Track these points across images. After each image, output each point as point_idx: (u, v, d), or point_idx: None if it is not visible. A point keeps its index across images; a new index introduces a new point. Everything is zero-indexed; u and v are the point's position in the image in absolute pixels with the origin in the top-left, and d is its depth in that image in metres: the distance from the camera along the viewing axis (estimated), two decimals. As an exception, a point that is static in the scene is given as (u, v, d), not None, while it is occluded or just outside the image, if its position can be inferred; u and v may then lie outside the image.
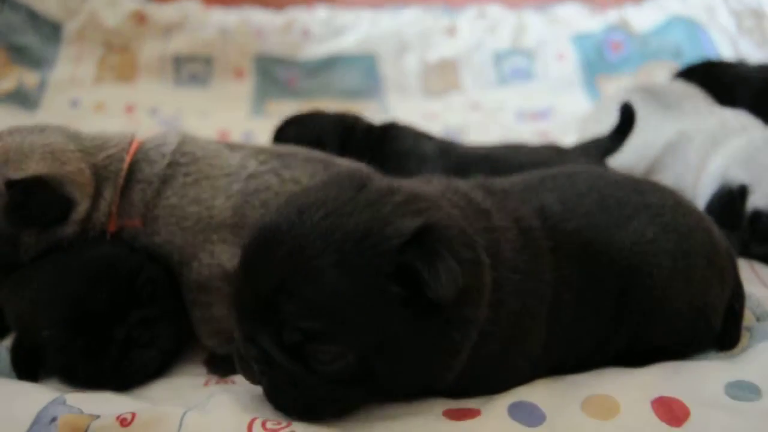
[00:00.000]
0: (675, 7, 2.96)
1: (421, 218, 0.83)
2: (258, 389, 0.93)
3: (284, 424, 0.87)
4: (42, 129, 1.18)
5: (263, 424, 0.87)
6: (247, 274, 0.86)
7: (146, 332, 1.10)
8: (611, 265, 1.02)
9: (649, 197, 1.09)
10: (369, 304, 0.81)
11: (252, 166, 1.21)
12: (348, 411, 0.90)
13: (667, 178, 1.69)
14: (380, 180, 0.93)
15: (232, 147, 1.25)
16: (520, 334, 0.95)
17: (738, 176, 1.55)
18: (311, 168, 1.24)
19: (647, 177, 1.67)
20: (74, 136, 1.18)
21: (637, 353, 1.05)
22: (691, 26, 2.84)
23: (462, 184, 1.03)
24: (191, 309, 1.17)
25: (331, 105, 2.76)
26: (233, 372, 1.07)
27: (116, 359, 1.07)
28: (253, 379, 0.91)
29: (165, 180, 1.17)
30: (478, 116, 2.60)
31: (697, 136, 1.71)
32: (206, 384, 1.10)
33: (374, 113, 2.64)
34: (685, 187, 1.65)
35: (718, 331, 1.10)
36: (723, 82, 2.05)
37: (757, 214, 1.51)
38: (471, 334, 0.88)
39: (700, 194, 1.62)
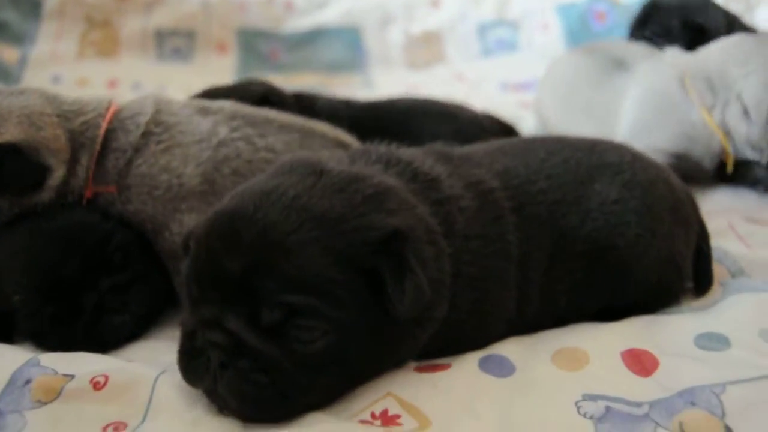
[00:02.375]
0: (659, -24, 2.95)
1: (395, 219, 0.83)
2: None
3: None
4: (21, 92, 1.17)
5: None
6: (209, 258, 0.83)
7: (118, 298, 1.10)
8: (580, 226, 1.04)
9: (608, 156, 1.11)
10: (347, 285, 0.80)
11: (223, 132, 1.20)
12: (317, 404, 0.87)
13: (663, 131, 1.70)
14: (336, 165, 0.92)
15: (206, 111, 1.24)
16: (487, 297, 0.96)
17: None
18: (287, 136, 1.24)
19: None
20: (53, 99, 1.18)
21: (614, 310, 1.06)
22: (676, -6, 2.83)
23: (406, 154, 1.02)
24: (171, 275, 1.17)
25: (314, 78, 2.77)
26: None
27: (88, 325, 1.07)
28: (197, 380, 0.85)
29: (137, 149, 1.17)
30: (462, 88, 2.59)
31: (668, 83, 1.72)
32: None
33: (358, 86, 2.64)
34: (693, 128, 1.66)
35: (690, 276, 1.14)
36: None
37: None
38: (433, 327, 0.90)
39: (757, 111, 1.59)
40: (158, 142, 1.18)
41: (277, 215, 0.81)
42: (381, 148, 1.04)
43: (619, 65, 1.86)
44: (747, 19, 2.64)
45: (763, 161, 1.60)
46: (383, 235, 0.81)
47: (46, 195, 1.13)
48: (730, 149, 1.64)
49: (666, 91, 1.71)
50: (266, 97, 1.51)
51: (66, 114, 1.16)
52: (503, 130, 1.81)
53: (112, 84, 2.60)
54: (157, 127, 1.18)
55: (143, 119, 1.18)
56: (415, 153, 1.04)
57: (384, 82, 2.68)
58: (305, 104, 1.59)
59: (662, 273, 1.09)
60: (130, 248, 1.14)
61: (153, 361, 1.00)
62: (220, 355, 0.81)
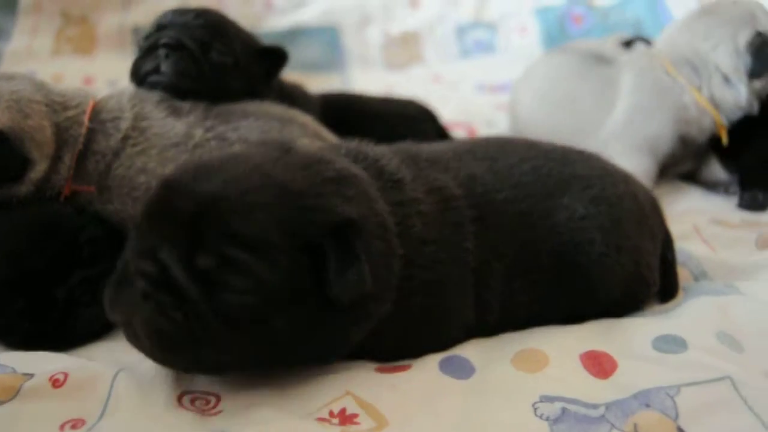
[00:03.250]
0: (635, -20, 2.98)
1: (350, 208, 0.84)
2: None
3: (212, 402, 0.89)
4: (10, 77, 1.17)
5: (192, 401, 0.89)
6: (164, 195, 0.85)
7: (89, 291, 1.09)
8: (546, 239, 1.04)
9: (579, 168, 1.11)
10: (288, 256, 0.81)
11: (198, 134, 1.21)
12: (227, 363, 0.87)
13: (662, 116, 1.73)
14: (304, 147, 0.94)
15: (179, 112, 1.24)
16: (443, 303, 0.97)
17: (747, 34, 1.65)
18: (265, 125, 1.24)
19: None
20: (41, 87, 1.17)
21: (580, 317, 1.07)
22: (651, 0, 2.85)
23: (375, 152, 1.02)
24: None
25: (292, 77, 2.74)
26: None
27: (59, 319, 1.06)
28: (118, 310, 0.85)
29: (116, 153, 1.17)
30: (439, 89, 2.59)
31: (656, 70, 1.75)
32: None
33: (336, 86, 2.63)
34: (687, 110, 1.71)
35: (656, 284, 1.14)
36: None
37: None
38: (368, 326, 0.90)
39: (725, 85, 1.69)
40: (134, 145, 1.18)
41: (240, 174, 0.84)
42: (351, 144, 1.04)
43: (600, 59, 1.88)
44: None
45: (755, 112, 1.70)
46: (336, 221, 0.82)
47: (24, 188, 1.12)
48: (722, 121, 1.70)
49: (658, 77, 1.74)
50: None
51: (54, 105, 1.15)
52: (428, 116, 1.83)
53: (88, 81, 2.58)
54: (134, 132, 1.19)
55: (124, 125, 1.18)
56: (383, 151, 1.04)
57: (362, 82, 2.68)
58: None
59: (628, 287, 1.10)
60: (99, 243, 1.13)
61: (113, 361, 1.00)
62: (145, 285, 0.82)
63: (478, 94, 2.53)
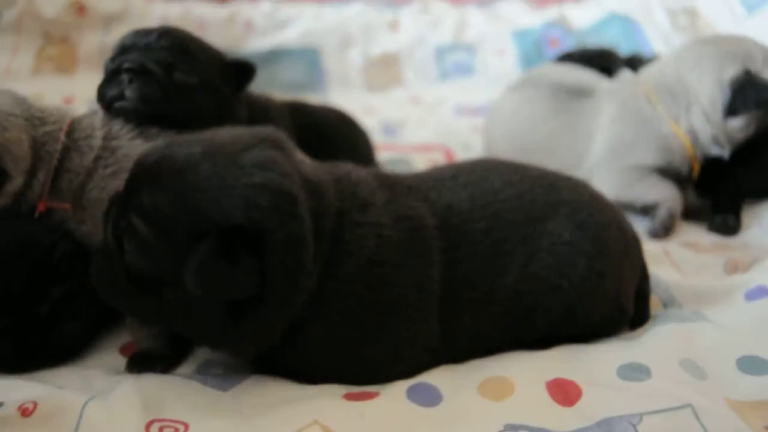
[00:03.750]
0: (612, 5, 3.02)
1: (254, 215, 0.85)
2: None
3: (181, 430, 0.89)
4: None
5: (161, 429, 0.89)
6: (145, 167, 0.93)
7: (70, 306, 1.10)
8: (526, 265, 1.05)
9: (566, 194, 1.11)
10: (179, 241, 0.86)
11: None
12: (141, 319, 1.02)
13: (643, 146, 1.74)
14: (292, 152, 0.97)
15: (147, 135, 1.24)
16: (394, 323, 0.98)
17: (734, 70, 1.64)
18: None
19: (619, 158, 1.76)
20: (21, 101, 1.17)
21: (555, 339, 1.09)
22: (627, 23, 2.90)
23: (359, 174, 1.05)
24: None
25: (273, 98, 2.78)
26: (151, 371, 1.07)
27: (43, 335, 1.07)
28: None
29: (89, 173, 1.17)
30: (418, 111, 2.62)
31: (637, 98, 1.76)
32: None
33: (316, 107, 2.65)
34: (666, 140, 1.72)
35: (631, 314, 1.15)
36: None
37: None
38: (265, 329, 0.92)
39: (703, 119, 1.68)
40: (105, 166, 1.18)
41: (185, 153, 0.90)
42: (343, 165, 1.08)
43: (575, 92, 1.88)
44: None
45: (725, 155, 1.70)
46: (221, 224, 0.85)
47: (1, 201, 1.12)
48: (696, 154, 1.71)
49: (639, 108, 1.75)
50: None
51: (33, 120, 1.15)
52: (346, 123, 1.84)
53: (68, 101, 2.58)
54: (105, 152, 1.19)
55: (96, 143, 1.18)
56: (364, 176, 1.06)
57: (342, 104, 2.68)
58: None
59: (607, 313, 1.11)
60: (73, 258, 1.13)
61: (85, 387, 1.00)
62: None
63: (457, 117, 2.56)
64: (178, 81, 1.25)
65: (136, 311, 0.99)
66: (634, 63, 2.14)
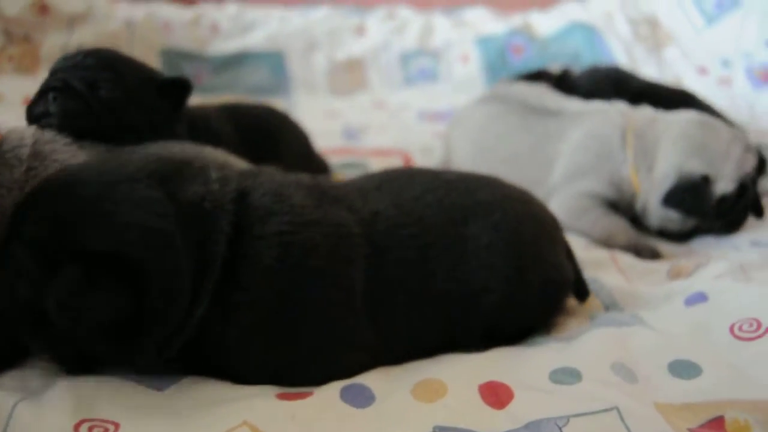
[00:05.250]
0: (576, 14, 3.06)
1: (114, 241, 0.87)
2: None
3: (111, 430, 0.88)
4: None
5: (90, 429, 0.88)
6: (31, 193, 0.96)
7: None
8: (453, 267, 1.08)
9: (481, 194, 1.15)
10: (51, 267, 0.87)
11: None
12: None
13: (598, 176, 1.75)
14: (182, 183, 0.96)
15: (83, 145, 1.23)
16: (314, 324, 0.99)
17: (696, 168, 1.65)
18: None
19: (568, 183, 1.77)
20: None
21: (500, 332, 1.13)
22: (589, 32, 2.94)
23: (286, 180, 1.06)
24: None
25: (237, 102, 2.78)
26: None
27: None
28: None
29: (22, 187, 1.15)
30: (381, 116, 2.63)
31: (612, 132, 1.77)
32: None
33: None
34: (621, 181, 1.74)
35: (571, 280, 1.22)
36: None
37: (723, 199, 1.63)
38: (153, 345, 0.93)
39: (654, 187, 1.70)
40: (35, 176, 1.16)
41: (69, 179, 0.93)
42: (273, 171, 1.10)
43: (542, 112, 1.90)
44: (654, 58, 2.77)
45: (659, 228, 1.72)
46: (73, 251, 0.86)
47: None
48: (640, 207, 1.73)
49: (607, 140, 1.76)
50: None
51: None
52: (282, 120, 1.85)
53: (29, 101, 2.55)
54: (36, 161, 1.17)
55: (25, 152, 1.16)
56: (294, 180, 1.08)
57: (306, 107, 2.70)
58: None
59: (541, 299, 1.17)
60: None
61: (21, 388, 0.99)
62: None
63: (419, 122, 2.57)
64: (101, 96, 1.26)
65: (34, 341, 0.97)
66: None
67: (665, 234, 1.71)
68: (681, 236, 1.71)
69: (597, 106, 1.88)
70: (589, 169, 1.76)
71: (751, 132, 1.98)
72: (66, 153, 1.18)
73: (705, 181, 1.63)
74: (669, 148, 1.68)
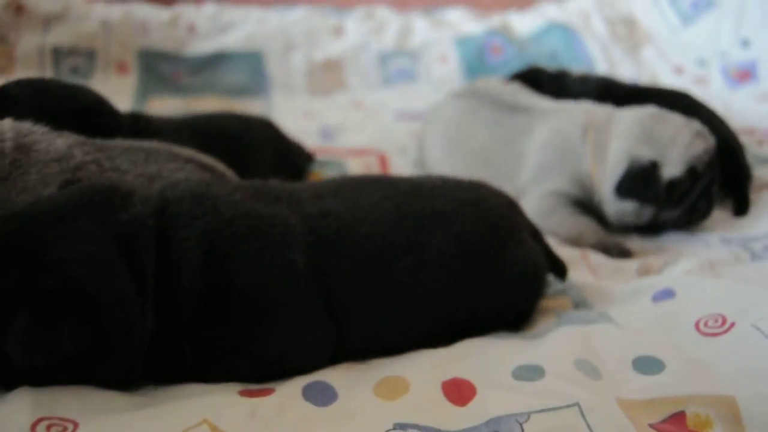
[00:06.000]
0: (553, 14, 3.08)
1: (76, 284, 0.87)
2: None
3: (70, 429, 0.87)
4: None
5: (48, 428, 0.87)
6: None
7: None
8: (416, 273, 1.09)
9: (438, 205, 1.15)
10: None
11: (78, 155, 1.20)
12: None
13: (562, 175, 1.76)
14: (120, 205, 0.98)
15: (59, 133, 1.23)
16: (262, 316, 1.00)
17: (645, 154, 1.64)
18: (133, 156, 1.24)
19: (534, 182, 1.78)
20: None
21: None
22: (567, 32, 2.95)
23: (215, 184, 1.08)
24: None
25: (216, 102, 2.77)
26: None
27: None
28: None
29: (7, 178, 1.15)
30: (359, 115, 2.63)
31: (574, 129, 1.77)
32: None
33: (259, 111, 2.64)
34: (583, 177, 1.74)
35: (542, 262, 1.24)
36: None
37: (672, 183, 1.62)
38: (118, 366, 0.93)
39: (606, 178, 1.70)
40: (20, 168, 1.16)
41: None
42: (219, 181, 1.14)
43: (514, 108, 1.90)
44: (631, 58, 2.78)
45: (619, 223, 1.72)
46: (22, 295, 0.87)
47: None
48: (600, 199, 1.72)
49: (569, 137, 1.76)
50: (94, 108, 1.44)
51: None
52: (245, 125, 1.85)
53: (4, 101, 2.54)
54: (19, 153, 1.16)
55: (8, 145, 1.15)
56: (243, 185, 1.09)
57: (285, 108, 2.69)
58: (141, 124, 1.56)
59: (519, 294, 1.20)
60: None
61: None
62: None
63: (397, 122, 2.56)
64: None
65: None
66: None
67: (636, 229, 1.71)
68: (646, 231, 1.71)
69: (565, 104, 1.88)
70: (553, 167, 1.77)
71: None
72: (45, 142, 1.18)
73: (653, 167, 1.63)
74: (620, 138, 1.69)
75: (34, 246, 0.89)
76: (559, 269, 1.31)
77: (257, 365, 1.00)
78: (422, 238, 1.10)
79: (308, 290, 1.02)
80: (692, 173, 1.62)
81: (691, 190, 1.62)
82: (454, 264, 1.11)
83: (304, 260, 1.02)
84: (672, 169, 1.62)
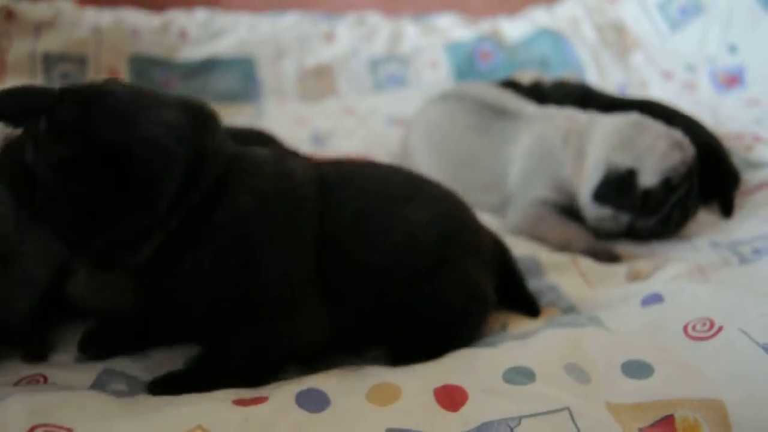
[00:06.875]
0: (543, 20, 3.10)
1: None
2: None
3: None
4: None
5: None
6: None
7: None
8: (385, 235, 1.12)
9: (426, 189, 1.21)
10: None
11: None
12: None
13: (545, 181, 1.77)
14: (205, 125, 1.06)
15: None
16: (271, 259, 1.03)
17: (622, 161, 1.65)
18: None
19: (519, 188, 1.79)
20: None
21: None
22: (556, 38, 2.97)
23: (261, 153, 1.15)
24: None
25: (207, 108, 2.76)
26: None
27: None
28: None
29: None
30: (350, 121, 2.64)
31: (556, 134, 1.78)
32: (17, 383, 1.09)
33: (250, 117, 2.65)
34: (564, 183, 1.75)
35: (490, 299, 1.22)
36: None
37: (647, 193, 1.63)
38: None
39: (584, 183, 1.71)
40: None
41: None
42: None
43: (500, 112, 1.90)
44: (620, 63, 2.80)
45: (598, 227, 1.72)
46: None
47: None
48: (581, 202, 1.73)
49: (550, 142, 1.77)
50: None
51: None
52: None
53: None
54: None
55: None
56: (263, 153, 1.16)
57: (276, 114, 2.70)
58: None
59: (466, 303, 1.18)
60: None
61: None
62: None
63: (388, 127, 2.57)
64: None
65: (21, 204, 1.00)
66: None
67: (622, 235, 1.72)
68: (627, 237, 1.72)
69: (549, 111, 1.89)
70: (537, 174, 1.77)
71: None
72: None
73: (630, 174, 1.63)
74: (599, 144, 1.69)
75: (126, 107, 0.95)
76: (529, 307, 1.30)
77: (254, 306, 1.03)
78: (399, 209, 1.14)
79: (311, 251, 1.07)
80: (667, 184, 1.63)
81: (666, 200, 1.63)
82: (417, 229, 1.13)
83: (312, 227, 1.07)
84: (648, 178, 1.63)
